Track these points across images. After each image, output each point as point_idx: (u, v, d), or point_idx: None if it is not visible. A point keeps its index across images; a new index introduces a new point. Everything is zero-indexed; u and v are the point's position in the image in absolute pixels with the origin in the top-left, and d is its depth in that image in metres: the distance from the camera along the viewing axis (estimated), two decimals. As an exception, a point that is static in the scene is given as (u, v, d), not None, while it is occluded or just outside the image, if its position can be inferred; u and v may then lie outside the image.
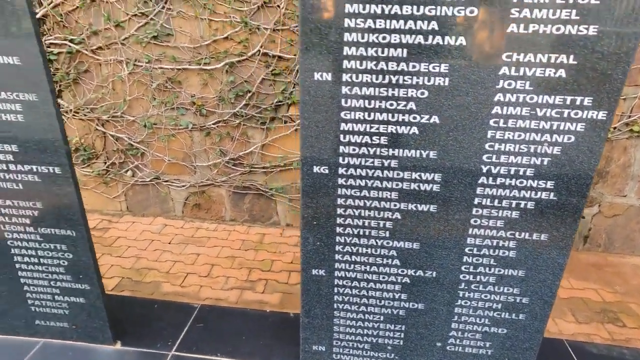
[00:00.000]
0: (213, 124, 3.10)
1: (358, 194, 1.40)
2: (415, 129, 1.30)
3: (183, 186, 3.30)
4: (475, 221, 1.39)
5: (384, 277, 1.52)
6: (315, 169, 1.39)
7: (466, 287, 1.50)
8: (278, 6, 2.79)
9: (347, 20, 1.20)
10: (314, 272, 1.55)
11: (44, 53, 1.35)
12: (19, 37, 1.32)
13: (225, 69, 2.96)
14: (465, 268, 1.47)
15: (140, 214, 3.43)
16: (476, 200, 1.36)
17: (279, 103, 3.00)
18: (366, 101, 1.29)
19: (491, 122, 1.27)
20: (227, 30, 2.89)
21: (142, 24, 2.89)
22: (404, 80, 1.25)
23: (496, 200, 1.37)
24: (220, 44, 2.92)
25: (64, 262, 1.70)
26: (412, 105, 1.27)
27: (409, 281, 1.51)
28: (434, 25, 1.18)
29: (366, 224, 1.45)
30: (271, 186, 3.22)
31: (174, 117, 3.11)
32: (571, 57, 1.17)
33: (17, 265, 1.74)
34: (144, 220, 3.37)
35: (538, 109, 1.25)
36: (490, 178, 1.34)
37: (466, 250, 1.44)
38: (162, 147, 3.20)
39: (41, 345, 1.86)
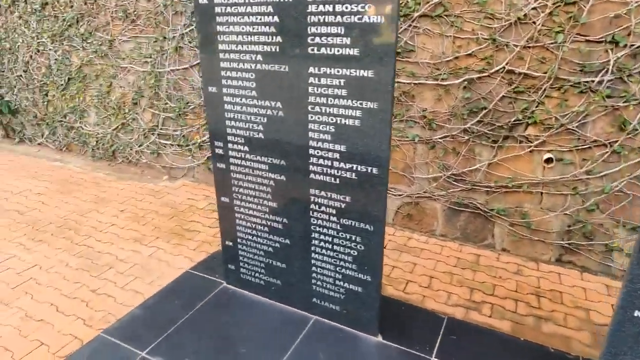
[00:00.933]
0: (440, 138, 3.15)
1: None
2: None
3: (399, 195, 3.43)
4: None
5: None
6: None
7: None
8: (534, 22, 2.71)
9: None
10: (636, 313, 1.41)
11: (394, 67, 1.53)
12: (379, 53, 1.53)
13: (462, 85, 2.98)
14: None
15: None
16: None
17: (517, 122, 2.90)
18: None
19: None
20: (471, 47, 2.91)
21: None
22: None
23: None
24: (461, 60, 2.96)
25: (354, 252, 1.90)
26: None
27: None
28: None
29: None
30: (492, 207, 3.12)
31: (401, 128, 3.26)
32: None
33: (313, 248, 2.01)
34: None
35: None
36: None
37: None
38: (384, 156, 3.38)
39: (314, 321, 2.11)
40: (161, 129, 4.50)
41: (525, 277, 2.94)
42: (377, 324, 1.97)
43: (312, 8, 1.59)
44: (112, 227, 3.54)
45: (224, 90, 1.93)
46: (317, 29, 1.61)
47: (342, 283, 1.98)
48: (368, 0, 1.47)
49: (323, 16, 1.57)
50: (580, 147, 2.88)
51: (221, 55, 1.87)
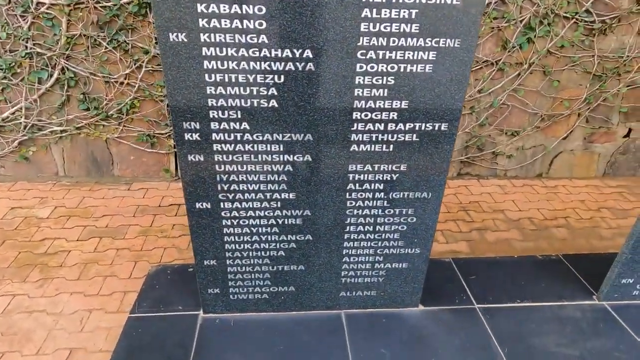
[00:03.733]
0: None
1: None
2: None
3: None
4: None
5: None
6: None
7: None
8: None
9: None
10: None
11: (483, -9, 1.17)
12: None
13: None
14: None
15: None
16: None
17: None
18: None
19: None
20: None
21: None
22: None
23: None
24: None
25: (402, 227, 1.58)
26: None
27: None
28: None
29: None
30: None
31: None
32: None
33: (346, 236, 1.57)
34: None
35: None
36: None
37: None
38: None
39: (347, 318, 1.74)
40: None
41: (446, 196, 3.20)
42: (421, 295, 1.78)
43: None
44: None
45: (203, 37, 1.16)
46: None
47: (382, 265, 1.67)
48: None
49: None
50: (473, 69, 3.13)
51: (197, -23, 1.09)
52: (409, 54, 1.24)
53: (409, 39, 1.22)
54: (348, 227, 1.56)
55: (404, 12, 1.18)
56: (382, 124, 1.36)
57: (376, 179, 1.46)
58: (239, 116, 1.30)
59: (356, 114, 1.33)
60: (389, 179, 1.47)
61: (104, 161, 3.13)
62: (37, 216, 2.66)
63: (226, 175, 1.40)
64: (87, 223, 2.63)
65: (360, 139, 1.38)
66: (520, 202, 3.13)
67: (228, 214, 1.48)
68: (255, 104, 1.28)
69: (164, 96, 2.92)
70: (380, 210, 1.54)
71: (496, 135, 3.32)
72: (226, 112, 1.28)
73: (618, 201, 3.17)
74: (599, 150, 3.44)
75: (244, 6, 1.14)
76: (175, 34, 1.15)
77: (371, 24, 1.19)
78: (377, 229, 1.58)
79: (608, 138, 3.40)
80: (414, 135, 1.39)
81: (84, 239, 2.48)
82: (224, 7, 1.13)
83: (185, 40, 1.16)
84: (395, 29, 1.20)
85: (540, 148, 3.39)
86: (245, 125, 1.32)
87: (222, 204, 1.45)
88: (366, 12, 1.17)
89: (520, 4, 2.87)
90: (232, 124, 1.31)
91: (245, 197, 1.45)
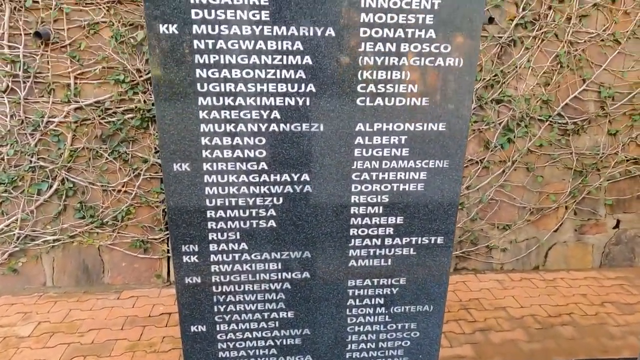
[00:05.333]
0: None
1: None
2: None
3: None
4: None
5: None
6: None
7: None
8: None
9: None
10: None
11: (470, 115, 1.28)
12: (454, 101, 1.24)
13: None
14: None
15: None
16: None
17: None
18: None
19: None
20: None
21: None
22: None
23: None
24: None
25: (406, 343, 1.51)
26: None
27: None
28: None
29: None
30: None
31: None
32: None
33: (347, 355, 1.50)
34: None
35: None
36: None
37: None
38: None
39: None
40: None
41: (445, 294, 3.13)
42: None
43: (365, 46, 1.17)
44: None
45: (205, 166, 1.23)
46: (371, 73, 1.20)
47: (387, 384, 1.57)
48: (444, 41, 1.18)
49: (381, 57, 1.18)
50: (457, 167, 3.27)
51: (202, 114, 1.18)
52: (401, 174, 1.31)
53: (400, 161, 1.30)
54: (349, 345, 1.50)
55: (394, 138, 1.27)
56: (379, 239, 1.38)
57: (376, 293, 1.45)
58: (238, 237, 1.31)
59: (353, 230, 1.36)
60: (389, 293, 1.45)
61: (95, 269, 3.06)
62: (18, 335, 2.52)
63: (223, 296, 1.38)
64: (71, 339, 2.48)
65: (359, 254, 1.39)
66: (520, 297, 3.07)
67: (224, 337, 1.42)
68: (255, 225, 1.31)
69: (160, 202, 2.97)
70: (382, 326, 1.49)
71: (488, 229, 3.36)
72: (225, 234, 1.30)
73: (621, 295, 3.12)
74: (592, 242, 3.47)
75: (245, 138, 1.22)
76: (179, 164, 1.22)
77: (364, 150, 1.27)
78: (379, 346, 1.52)
79: (598, 229, 3.46)
80: (411, 249, 1.41)
81: (67, 359, 2.33)
82: (227, 139, 1.21)
83: (189, 169, 1.22)
84: (387, 153, 1.28)
85: (534, 240, 3.42)
86: (244, 245, 1.33)
87: (218, 326, 1.40)
88: (359, 139, 1.26)
89: (497, 109, 3.11)
90: (230, 244, 1.32)
91: (243, 318, 1.41)
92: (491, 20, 3.00)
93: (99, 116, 2.79)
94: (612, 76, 3.17)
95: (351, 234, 1.36)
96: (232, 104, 1.19)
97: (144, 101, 2.82)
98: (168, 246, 2.95)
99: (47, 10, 2.68)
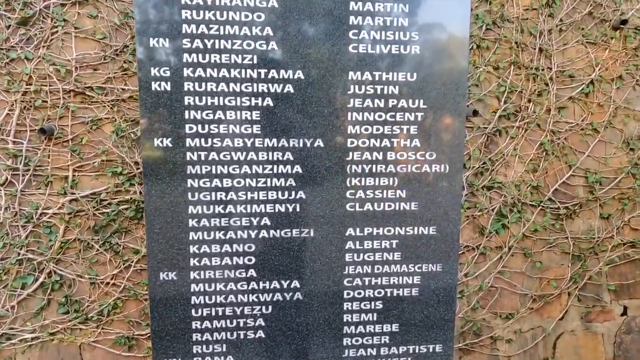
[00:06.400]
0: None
1: None
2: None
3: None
4: None
5: None
6: None
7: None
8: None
9: None
10: None
11: (460, 219, 1.28)
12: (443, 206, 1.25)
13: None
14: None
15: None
16: None
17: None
18: None
19: None
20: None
21: None
22: None
23: None
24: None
25: None
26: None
27: None
28: None
29: None
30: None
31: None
32: None
33: None
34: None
35: None
36: None
37: None
38: None
39: None
40: None
41: (450, 393, 2.90)
42: None
43: (353, 155, 1.21)
44: None
45: (193, 275, 1.20)
46: (359, 180, 1.22)
47: None
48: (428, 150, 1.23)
49: (368, 165, 1.22)
50: (454, 253, 3.23)
51: (192, 223, 1.18)
52: (394, 279, 1.28)
53: (393, 266, 1.27)
54: None
55: (386, 242, 1.26)
56: (375, 349, 1.31)
57: (373, 409, 1.34)
58: (224, 349, 1.24)
59: (347, 340, 1.29)
60: (387, 408, 1.34)
61: (74, 369, 2.85)
62: None
63: (207, 417, 1.26)
64: None
65: (353, 365, 1.30)
66: (533, 396, 2.84)
67: None
68: (242, 336, 1.24)
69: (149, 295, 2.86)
70: None
71: (491, 319, 3.22)
72: (211, 346, 1.23)
73: (638, 391, 2.90)
74: (601, 330, 3.31)
75: (235, 245, 1.21)
76: (166, 273, 1.19)
77: (355, 254, 1.25)
78: None
79: (606, 317, 3.32)
80: (409, 359, 1.33)
81: None
82: (215, 247, 1.20)
83: (175, 278, 1.19)
84: (379, 258, 1.26)
85: (539, 330, 3.26)
86: (230, 358, 1.25)
87: None
88: (350, 244, 1.25)
89: (489, 195, 3.15)
90: (216, 358, 1.24)
91: None
92: (475, 112, 3.16)
93: (94, 207, 2.79)
94: (597, 162, 3.27)
95: (345, 344, 1.29)
96: (222, 211, 1.20)
97: (140, 192, 2.84)
98: (154, 342, 2.77)
99: (54, 109, 2.81)
